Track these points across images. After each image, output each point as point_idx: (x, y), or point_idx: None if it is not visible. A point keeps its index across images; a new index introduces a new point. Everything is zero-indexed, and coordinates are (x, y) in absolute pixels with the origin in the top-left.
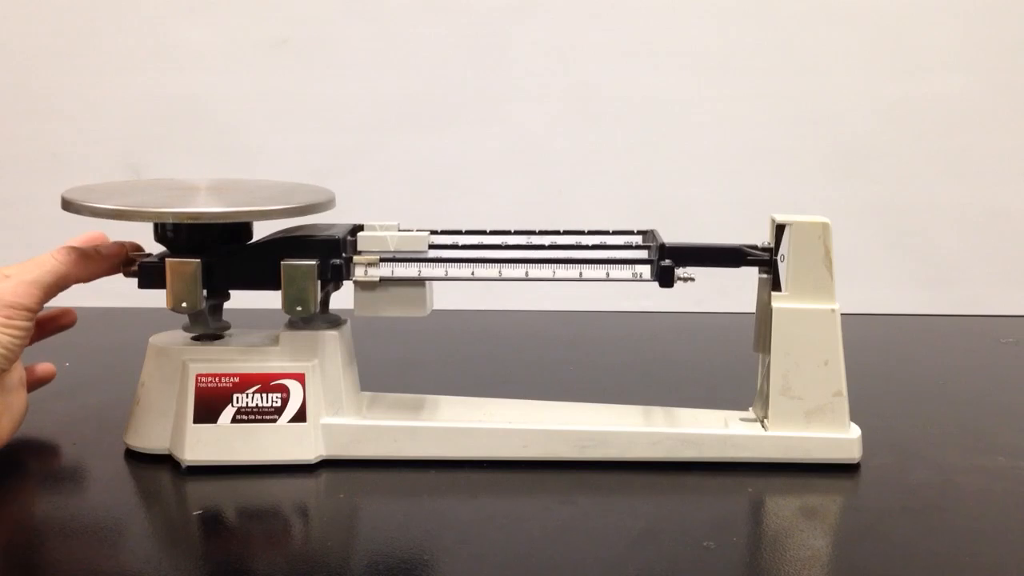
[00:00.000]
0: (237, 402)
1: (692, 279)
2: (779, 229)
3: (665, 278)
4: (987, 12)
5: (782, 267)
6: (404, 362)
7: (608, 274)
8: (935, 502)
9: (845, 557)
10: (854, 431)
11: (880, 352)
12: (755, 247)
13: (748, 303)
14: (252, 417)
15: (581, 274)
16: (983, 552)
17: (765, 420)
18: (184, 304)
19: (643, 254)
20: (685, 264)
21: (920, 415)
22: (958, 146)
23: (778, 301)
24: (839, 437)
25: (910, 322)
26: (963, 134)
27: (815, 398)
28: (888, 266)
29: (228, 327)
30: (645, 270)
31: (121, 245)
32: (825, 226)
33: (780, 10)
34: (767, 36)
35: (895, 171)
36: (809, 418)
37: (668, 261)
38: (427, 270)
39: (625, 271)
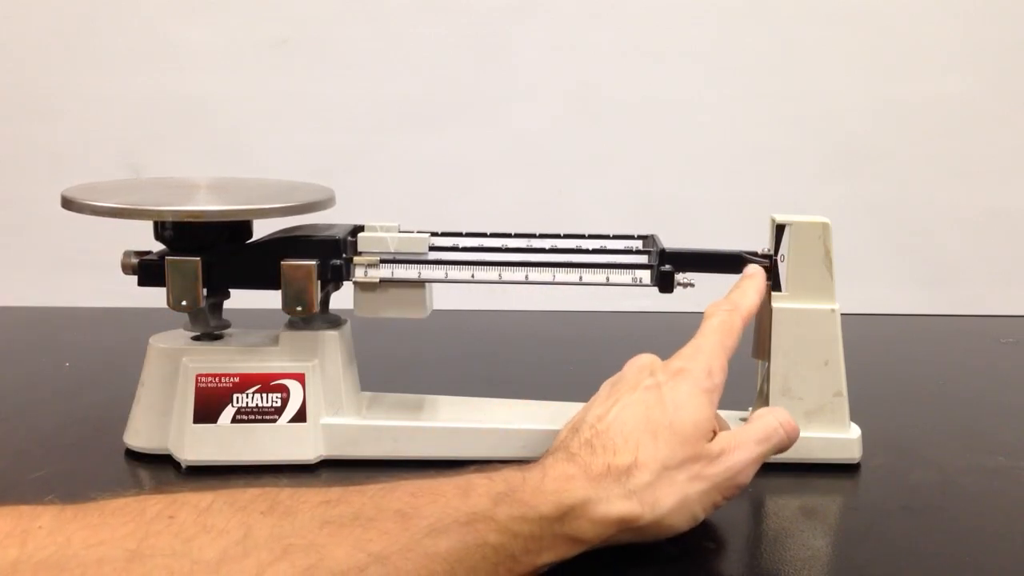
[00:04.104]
0: (237, 402)
1: (692, 284)
2: (779, 229)
3: (665, 283)
4: (987, 12)
5: (782, 267)
6: (404, 362)
7: (608, 279)
8: (935, 502)
9: (845, 557)
10: (854, 431)
11: (880, 352)
12: (755, 253)
13: None
14: (252, 417)
15: (581, 278)
16: (983, 552)
17: None
18: (184, 302)
19: (643, 259)
20: (685, 269)
21: (920, 415)
22: (958, 146)
23: (778, 301)
24: (839, 437)
25: (910, 322)
26: (963, 134)
27: (815, 398)
28: (888, 266)
29: (228, 325)
30: (645, 275)
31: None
32: (825, 226)
33: (780, 10)
34: (767, 36)
35: (895, 171)
36: (809, 418)
37: (668, 266)
38: (427, 272)
39: (625, 276)
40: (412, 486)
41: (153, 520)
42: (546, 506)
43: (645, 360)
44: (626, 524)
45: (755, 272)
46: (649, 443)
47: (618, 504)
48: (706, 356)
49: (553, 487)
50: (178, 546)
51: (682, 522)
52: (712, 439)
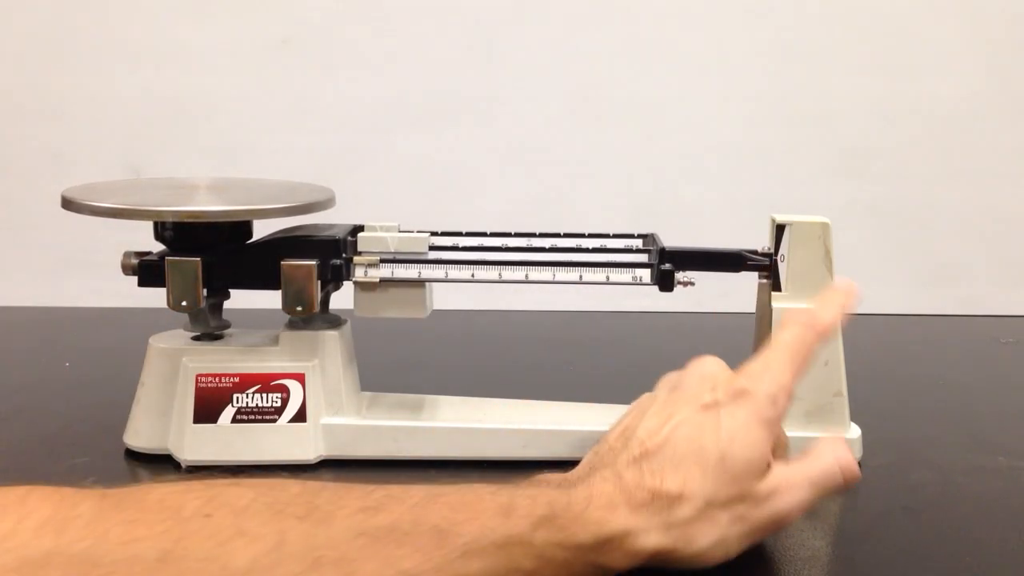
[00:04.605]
0: (237, 402)
1: (692, 283)
2: (779, 229)
3: (665, 282)
4: (987, 12)
5: (782, 267)
6: (404, 362)
7: (608, 277)
8: (935, 502)
9: (845, 557)
10: (854, 431)
11: (880, 352)
12: (755, 252)
13: (748, 303)
14: (252, 417)
15: (581, 277)
16: (983, 552)
17: None
18: (184, 303)
19: (643, 258)
20: (685, 268)
21: (920, 415)
22: (958, 146)
23: (778, 301)
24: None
25: (910, 322)
26: (963, 134)
27: (815, 398)
28: (888, 266)
29: (228, 326)
30: (645, 274)
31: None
32: (825, 226)
33: (780, 10)
34: (767, 36)
35: (896, 171)
36: (809, 418)
37: (668, 265)
38: (427, 271)
39: (625, 275)
40: (454, 498)
41: (190, 519)
42: (585, 535)
43: (709, 368)
44: (658, 557)
45: (845, 287)
46: (697, 475)
47: (655, 537)
48: (773, 379)
49: (596, 516)
50: (211, 550)
51: (715, 559)
52: (764, 476)
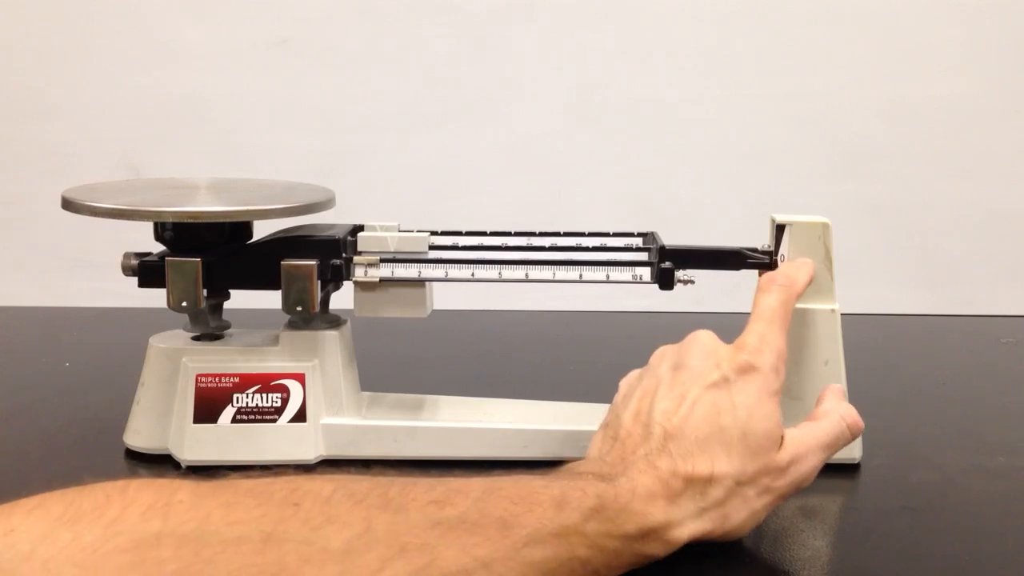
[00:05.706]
0: (237, 402)
1: (692, 282)
2: (779, 229)
3: (665, 280)
4: (987, 13)
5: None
6: (404, 362)
7: (608, 276)
8: (935, 502)
9: (845, 557)
10: None
11: (880, 352)
12: (755, 250)
13: (748, 302)
14: (252, 417)
15: (581, 276)
16: (983, 552)
17: None
18: (184, 303)
19: (643, 256)
20: (685, 266)
21: (920, 415)
22: (958, 146)
23: None
24: None
25: (910, 322)
26: (963, 134)
27: (815, 398)
28: (888, 266)
29: (228, 326)
30: (645, 272)
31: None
32: (825, 226)
33: (780, 10)
34: (767, 36)
35: (895, 171)
36: None
37: (668, 263)
38: (427, 271)
39: (625, 273)
40: (512, 492)
41: (281, 505)
42: (631, 526)
43: (708, 344)
44: (696, 540)
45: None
46: (723, 455)
47: (691, 525)
48: (772, 351)
49: (638, 508)
50: (307, 533)
51: (747, 530)
52: (780, 446)
